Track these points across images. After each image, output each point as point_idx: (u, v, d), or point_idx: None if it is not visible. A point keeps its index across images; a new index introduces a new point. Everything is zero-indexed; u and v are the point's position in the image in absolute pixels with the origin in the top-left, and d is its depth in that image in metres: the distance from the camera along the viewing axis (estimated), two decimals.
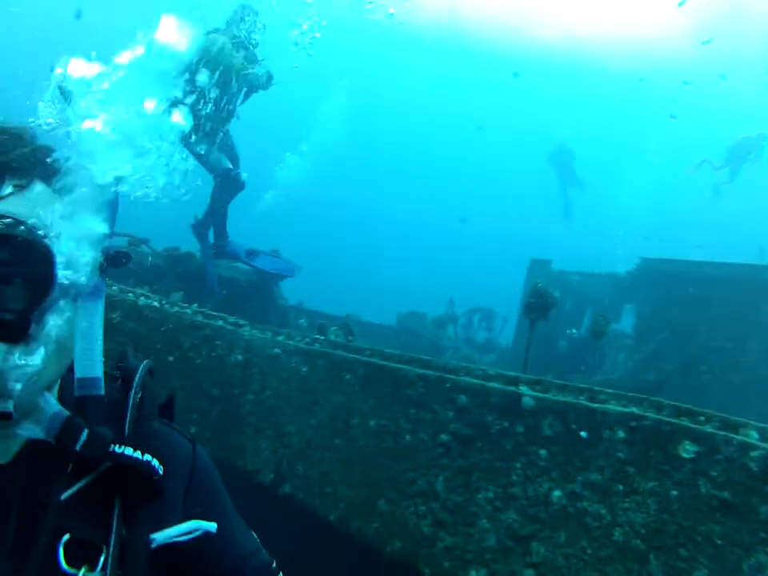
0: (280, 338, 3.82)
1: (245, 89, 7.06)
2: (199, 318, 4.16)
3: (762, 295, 7.70)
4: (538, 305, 3.85)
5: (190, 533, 1.01)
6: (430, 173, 44.50)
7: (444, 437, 2.96)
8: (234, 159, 7.30)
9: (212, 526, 1.03)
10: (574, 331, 9.31)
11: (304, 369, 3.57)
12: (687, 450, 2.44)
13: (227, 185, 7.06)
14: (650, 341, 8.06)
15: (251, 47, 7.07)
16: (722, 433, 2.43)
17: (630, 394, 2.68)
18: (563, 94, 38.53)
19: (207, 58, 6.38)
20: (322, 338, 3.83)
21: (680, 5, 24.38)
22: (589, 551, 2.51)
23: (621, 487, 2.52)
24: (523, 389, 2.84)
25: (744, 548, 2.29)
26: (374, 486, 3.08)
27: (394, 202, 44.35)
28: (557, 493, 2.62)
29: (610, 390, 2.73)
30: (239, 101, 7.13)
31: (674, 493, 2.43)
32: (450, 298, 11.86)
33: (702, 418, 2.52)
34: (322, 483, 3.25)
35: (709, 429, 2.46)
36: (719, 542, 2.33)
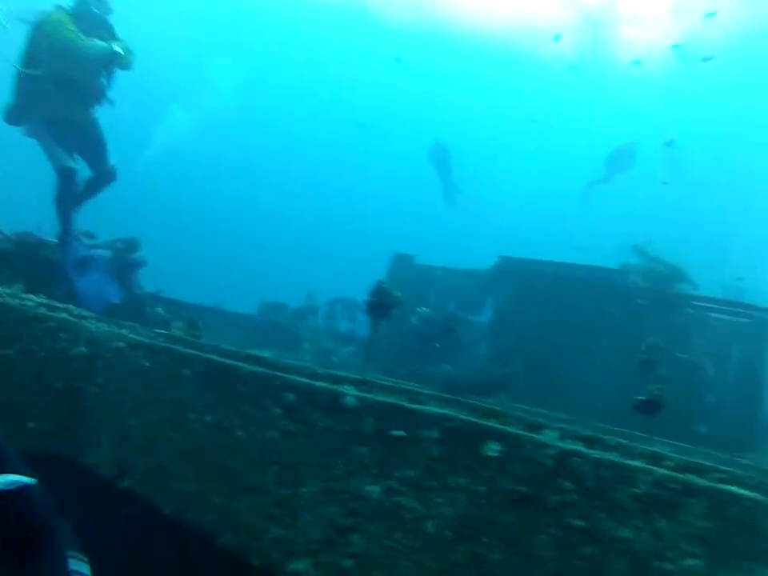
0: (124, 331, 3.65)
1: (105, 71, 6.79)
2: (43, 310, 3.91)
3: (611, 296, 8.18)
4: (380, 304, 3.78)
5: None
6: (310, 160, 41.52)
7: (273, 433, 2.95)
8: (99, 150, 7.15)
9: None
10: (425, 309, 9.47)
11: (146, 363, 3.43)
12: (493, 449, 2.56)
13: (65, 182, 6.92)
14: (504, 337, 8.39)
15: (106, 24, 6.65)
16: (525, 433, 2.55)
17: (447, 396, 2.73)
18: (451, 79, 36.52)
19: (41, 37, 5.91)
20: (165, 332, 3.67)
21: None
22: (404, 542, 2.66)
23: (434, 483, 2.63)
24: (348, 388, 2.82)
25: (533, 532, 2.51)
26: (209, 480, 3.08)
27: (274, 185, 41.30)
28: (375, 488, 2.71)
29: (429, 392, 2.77)
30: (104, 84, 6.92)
31: (481, 488, 2.58)
32: (309, 289, 11.73)
33: (509, 419, 2.63)
34: (161, 477, 3.22)
35: (513, 429, 2.58)
36: (515, 529, 2.53)
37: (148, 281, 8.05)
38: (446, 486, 2.62)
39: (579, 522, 2.49)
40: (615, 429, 4.02)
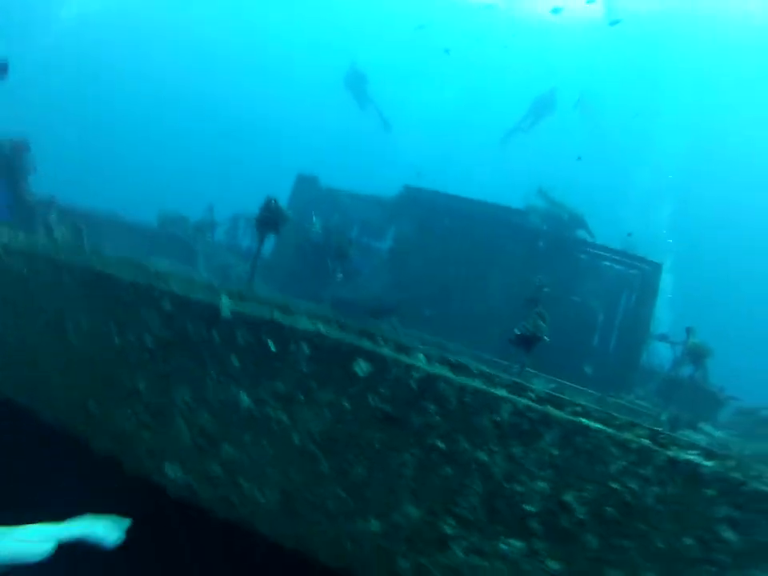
0: (3, 239, 3.40)
1: None
2: None
3: (510, 235, 8.25)
4: (269, 220, 3.61)
5: None
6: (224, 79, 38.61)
7: (149, 341, 2.86)
8: None
9: None
10: (315, 221, 9.29)
11: (26, 271, 3.24)
12: (362, 368, 2.55)
13: None
14: (402, 265, 8.38)
15: None
16: (394, 354, 2.54)
17: (321, 314, 2.67)
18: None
19: None
20: (48, 239, 3.44)
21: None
22: (271, 452, 2.68)
23: (302, 397, 2.62)
24: (224, 299, 2.73)
25: (396, 450, 2.56)
26: (86, 387, 3.00)
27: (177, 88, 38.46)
28: (245, 399, 2.69)
29: (303, 307, 2.70)
30: None
31: (348, 405, 2.58)
32: (210, 203, 11.15)
33: (381, 340, 2.60)
34: (42, 385, 3.13)
35: (384, 350, 2.56)
36: (378, 446, 2.57)
37: (42, 186, 7.56)
38: (314, 401, 2.61)
39: (440, 444, 2.54)
40: (497, 360, 4.14)
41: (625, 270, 9.31)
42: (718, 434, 6.00)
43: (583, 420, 2.53)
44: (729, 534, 2.54)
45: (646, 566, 2.57)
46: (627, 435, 2.56)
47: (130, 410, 2.90)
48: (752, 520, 2.56)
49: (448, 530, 2.58)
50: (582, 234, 9.14)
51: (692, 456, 2.59)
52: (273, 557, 2.85)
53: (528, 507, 2.54)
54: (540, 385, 2.80)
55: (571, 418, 2.53)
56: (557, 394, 2.57)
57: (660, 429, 2.62)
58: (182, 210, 11.07)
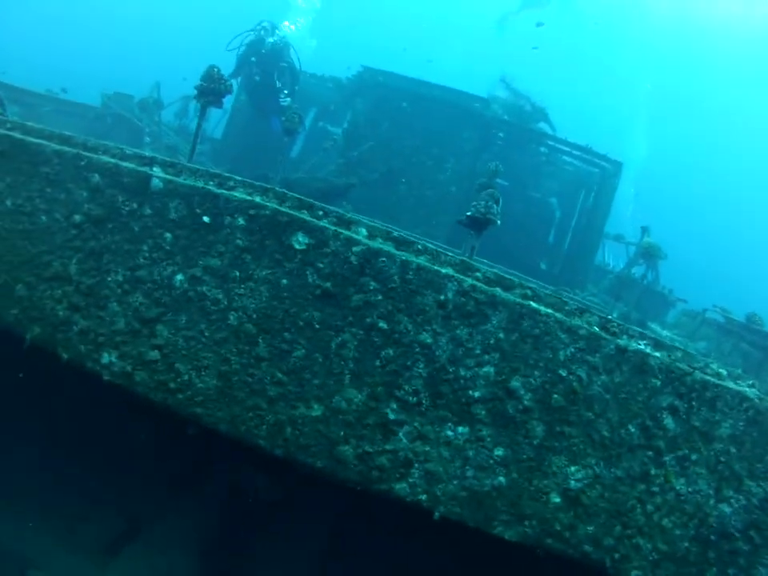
0: None
1: None
2: None
3: (465, 121, 7.97)
4: (210, 90, 3.36)
5: None
6: None
7: (77, 217, 2.67)
8: None
9: None
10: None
11: None
12: (300, 241, 2.40)
13: None
14: (356, 148, 8.11)
15: None
16: (333, 228, 2.39)
17: (258, 184, 2.50)
18: None
19: None
20: None
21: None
22: (207, 334, 2.54)
23: (237, 274, 2.48)
24: (156, 170, 2.54)
25: (335, 330, 2.44)
26: (12, 270, 2.82)
27: None
28: (179, 277, 2.54)
29: (239, 178, 2.52)
30: None
31: (285, 281, 2.44)
32: (157, 81, 10.51)
33: (321, 213, 2.44)
34: None
35: (323, 223, 2.40)
36: (317, 326, 2.45)
37: None
38: (250, 278, 2.47)
39: (381, 324, 2.42)
40: (447, 248, 3.98)
41: (585, 167, 9.16)
42: (665, 333, 6.00)
43: (532, 303, 2.42)
44: (669, 422, 2.48)
45: (588, 452, 2.50)
46: (577, 321, 2.46)
47: (60, 292, 2.74)
48: (692, 408, 2.50)
49: (391, 415, 2.49)
50: (543, 127, 8.90)
51: (641, 346, 2.50)
52: (212, 443, 2.75)
53: (473, 393, 2.45)
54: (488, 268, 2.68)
55: (520, 300, 2.42)
56: (506, 275, 2.45)
57: (611, 317, 2.52)
58: (128, 89, 10.49)
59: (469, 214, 2.63)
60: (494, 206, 2.58)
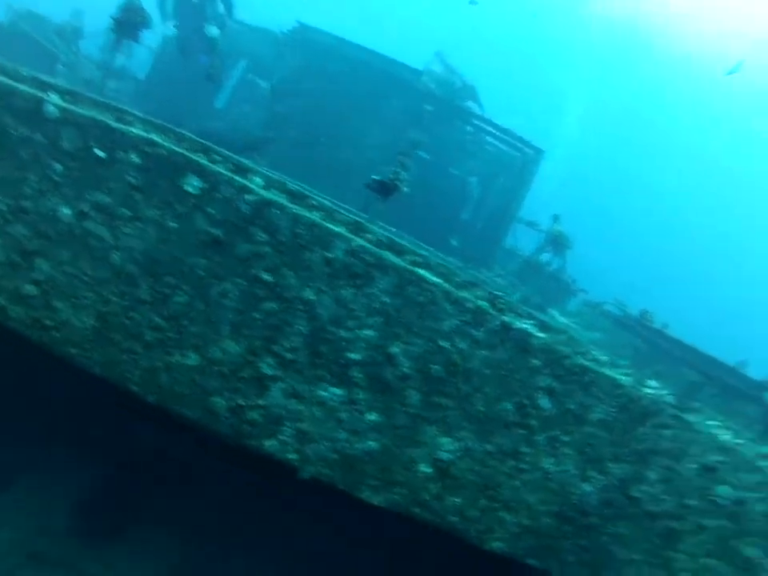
0: None
1: None
2: None
3: (395, 90, 8.04)
4: (127, 21, 3.27)
5: None
6: None
7: None
8: None
9: None
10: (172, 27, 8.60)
11: None
12: (192, 184, 2.35)
13: None
14: (281, 103, 8.06)
15: None
16: (228, 174, 2.35)
17: (159, 122, 2.44)
18: None
19: None
20: None
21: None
22: (88, 272, 2.47)
23: (126, 212, 2.41)
24: (52, 96, 2.45)
25: (220, 279, 2.40)
26: None
27: None
28: (66, 211, 2.45)
29: (140, 114, 2.46)
30: None
31: (173, 224, 2.39)
32: (79, 8, 9.93)
33: (218, 158, 2.40)
34: None
35: (219, 168, 2.36)
36: (202, 272, 2.40)
37: None
38: (139, 218, 2.40)
39: (266, 276, 2.40)
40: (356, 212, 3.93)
41: (507, 150, 9.32)
42: (563, 320, 6.18)
43: (421, 271, 2.44)
44: (544, 402, 2.54)
45: (462, 425, 2.54)
46: (465, 294, 2.49)
47: None
48: (567, 390, 2.56)
49: (267, 370, 2.47)
50: (472, 106, 9.00)
51: (526, 325, 2.55)
52: (84, 383, 2.67)
53: (352, 355, 2.45)
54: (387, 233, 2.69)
55: (408, 266, 2.43)
56: (398, 240, 2.46)
57: (500, 293, 2.56)
58: (43, 10, 9.73)
59: (376, 177, 2.63)
60: (403, 172, 2.59)
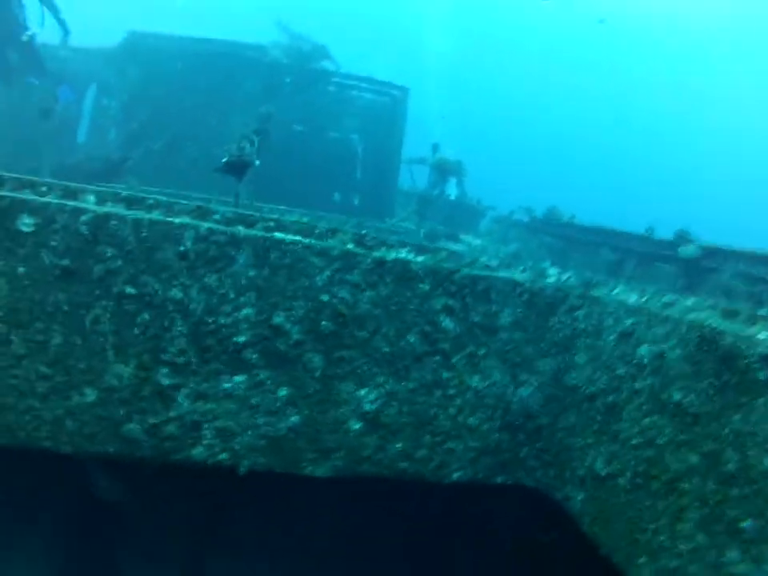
0: None
1: None
2: None
3: (245, 72, 8.00)
4: None
5: None
6: None
7: None
8: None
9: None
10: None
11: None
12: (27, 223, 2.32)
13: None
14: (131, 119, 8.01)
15: None
16: (58, 201, 2.32)
17: None
18: None
19: None
20: None
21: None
22: None
23: None
24: None
25: (85, 307, 2.36)
26: None
27: None
28: None
29: None
30: None
31: (21, 269, 2.35)
32: None
33: (45, 189, 2.37)
34: None
35: (48, 199, 2.33)
36: (66, 307, 2.36)
37: None
38: None
39: (129, 289, 2.35)
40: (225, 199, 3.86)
41: (376, 98, 9.27)
42: (477, 242, 6.13)
43: (276, 234, 2.40)
44: (447, 323, 2.50)
45: (375, 372, 2.49)
46: (329, 242, 2.45)
47: None
48: (466, 304, 2.52)
49: (165, 381, 2.42)
50: (327, 65, 8.97)
51: (402, 254, 2.51)
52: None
53: (239, 338, 2.41)
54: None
55: (262, 234, 2.39)
56: (249, 212, 2.43)
57: (364, 231, 2.53)
58: None
59: (225, 159, 2.60)
60: (248, 147, 2.56)
